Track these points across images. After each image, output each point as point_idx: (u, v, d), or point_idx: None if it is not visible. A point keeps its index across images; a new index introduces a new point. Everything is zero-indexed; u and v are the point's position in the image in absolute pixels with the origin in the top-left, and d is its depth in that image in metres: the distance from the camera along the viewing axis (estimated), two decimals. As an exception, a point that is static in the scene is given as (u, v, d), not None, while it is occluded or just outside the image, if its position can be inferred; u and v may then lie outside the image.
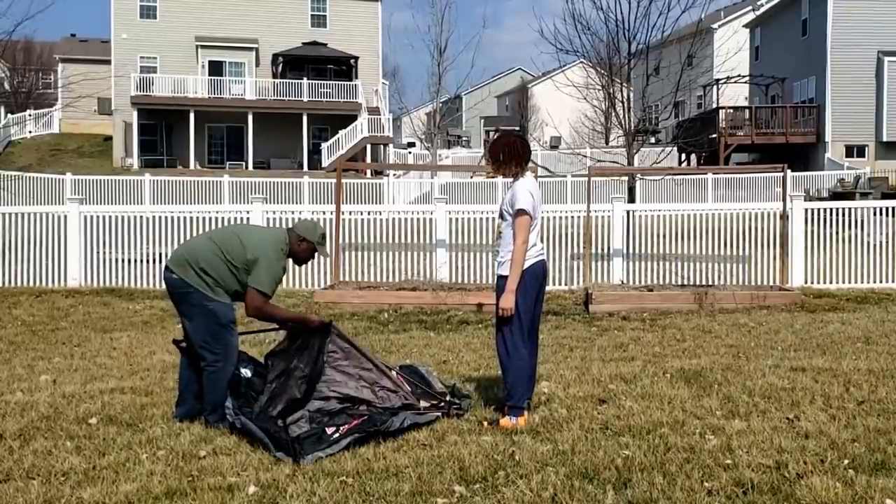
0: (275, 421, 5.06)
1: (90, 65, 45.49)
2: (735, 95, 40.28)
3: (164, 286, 5.71)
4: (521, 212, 5.28)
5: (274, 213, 13.71)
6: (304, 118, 40.60)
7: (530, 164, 5.69)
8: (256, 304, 5.35)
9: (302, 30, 42.93)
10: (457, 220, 13.82)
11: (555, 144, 46.25)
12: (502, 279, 5.34)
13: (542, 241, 5.51)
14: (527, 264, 5.31)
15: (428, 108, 45.18)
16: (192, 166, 39.05)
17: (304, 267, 13.36)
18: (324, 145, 40.02)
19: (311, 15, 43.29)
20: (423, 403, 5.54)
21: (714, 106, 36.70)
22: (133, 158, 39.99)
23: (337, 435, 4.88)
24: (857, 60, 32.79)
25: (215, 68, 41.72)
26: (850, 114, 33.15)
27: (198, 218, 13.49)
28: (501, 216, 5.47)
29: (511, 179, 5.50)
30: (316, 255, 5.66)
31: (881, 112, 33.22)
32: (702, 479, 4.24)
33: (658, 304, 11.08)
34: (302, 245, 5.55)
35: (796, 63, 35.75)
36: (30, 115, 46.95)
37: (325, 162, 38.68)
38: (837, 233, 13.32)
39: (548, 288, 12.15)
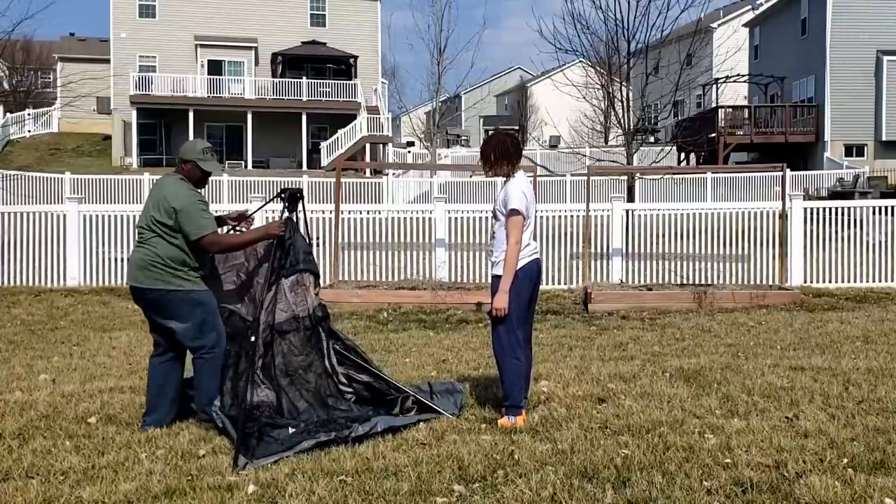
0: (261, 415, 5.06)
1: (89, 64, 45.37)
2: (734, 95, 40.29)
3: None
4: (513, 212, 5.27)
5: (273, 212, 13.65)
6: (304, 117, 40.58)
7: (528, 164, 5.69)
8: (210, 241, 5.38)
9: (301, 29, 42.93)
10: (456, 219, 13.82)
11: (554, 144, 46.25)
12: (496, 279, 5.34)
13: (535, 239, 5.50)
14: (520, 264, 5.30)
15: (427, 108, 45.20)
16: (191, 165, 38.97)
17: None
18: (323, 144, 40.00)
19: (311, 14, 43.28)
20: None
21: (713, 105, 36.67)
22: (132, 157, 39.97)
23: (299, 438, 4.86)
24: (856, 60, 32.79)
25: (214, 67, 41.71)
26: (850, 113, 33.15)
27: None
28: (495, 216, 5.46)
29: (504, 179, 5.50)
30: (210, 173, 5.53)
31: (880, 111, 33.21)
32: (701, 478, 4.24)
33: (657, 303, 11.09)
34: (187, 167, 5.50)
35: (796, 62, 35.74)
36: (29, 115, 46.88)
37: (325, 161, 38.66)
38: (836, 232, 13.32)
39: (547, 287, 12.25)
